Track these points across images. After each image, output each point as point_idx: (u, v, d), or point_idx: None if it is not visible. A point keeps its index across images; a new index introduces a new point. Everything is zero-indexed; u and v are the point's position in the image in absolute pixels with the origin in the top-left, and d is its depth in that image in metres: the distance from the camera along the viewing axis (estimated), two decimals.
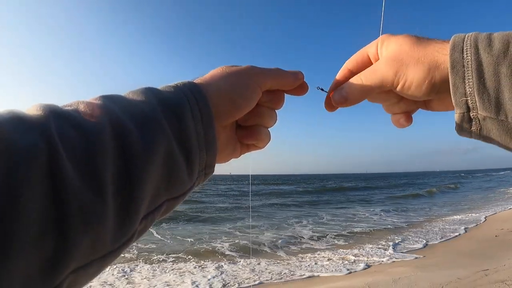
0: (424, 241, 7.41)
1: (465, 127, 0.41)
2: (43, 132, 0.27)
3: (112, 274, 5.37)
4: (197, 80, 0.45)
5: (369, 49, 0.50)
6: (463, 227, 8.69)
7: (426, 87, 0.43)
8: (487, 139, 0.41)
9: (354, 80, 0.49)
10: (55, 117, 0.30)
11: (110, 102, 0.36)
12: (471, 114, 0.40)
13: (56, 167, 0.26)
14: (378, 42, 0.49)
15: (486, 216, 10.21)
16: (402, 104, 0.51)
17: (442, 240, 7.49)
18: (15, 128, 0.26)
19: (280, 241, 7.91)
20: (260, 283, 5.07)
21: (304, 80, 0.52)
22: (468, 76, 0.39)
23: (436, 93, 0.43)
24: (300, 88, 0.51)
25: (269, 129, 0.52)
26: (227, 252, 6.94)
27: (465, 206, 13.78)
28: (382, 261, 5.97)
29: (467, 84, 0.39)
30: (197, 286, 4.94)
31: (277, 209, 14.93)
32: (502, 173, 70.34)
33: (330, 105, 0.52)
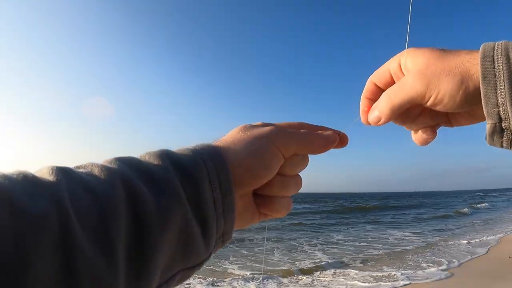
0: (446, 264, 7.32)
1: (496, 137, 0.41)
2: (55, 198, 0.27)
3: None
4: (216, 143, 0.43)
5: (390, 65, 0.49)
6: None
7: (460, 98, 0.41)
8: None
9: (383, 98, 0.47)
10: (68, 181, 0.30)
11: (125, 166, 0.35)
12: (503, 125, 0.39)
13: (68, 237, 0.26)
14: (401, 56, 0.47)
15: (500, 237, 10.03)
16: (423, 118, 0.49)
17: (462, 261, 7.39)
18: (26, 193, 0.26)
19: None
20: None
21: (340, 132, 0.49)
22: (500, 86, 0.38)
23: (469, 105, 0.42)
24: (331, 147, 0.48)
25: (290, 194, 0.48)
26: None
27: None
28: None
29: (499, 94, 0.38)
30: None
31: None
32: None
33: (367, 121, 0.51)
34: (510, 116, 0.38)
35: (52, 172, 0.30)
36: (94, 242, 0.27)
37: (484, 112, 0.40)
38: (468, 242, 9.74)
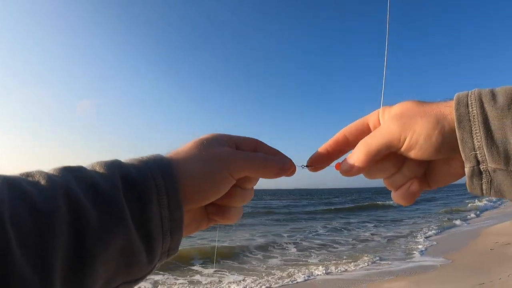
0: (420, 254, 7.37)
1: (476, 181, 0.41)
2: None
3: None
4: (170, 155, 0.43)
5: (369, 118, 0.50)
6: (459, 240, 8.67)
7: (436, 139, 0.42)
8: (498, 192, 0.40)
9: (360, 144, 0.47)
10: (11, 194, 0.30)
11: (72, 177, 0.35)
12: (481, 167, 0.40)
13: (5, 255, 0.26)
14: (380, 110, 0.49)
15: (481, 229, 10.21)
16: (405, 170, 0.47)
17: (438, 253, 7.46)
18: None
19: None
20: None
21: (292, 165, 0.48)
22: (475, 130, 0.39)
23: (445, 148, 0.42)
24: (284, 175, 0.48)
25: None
26: None
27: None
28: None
29: (475, 138, 0.39)
30: None
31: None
32: None
33: (316, 168, 0.51)
34: (487, 158, 0.39)
35: None
36: (32, 263, 0.28)
37: (462, 156, 0.40)
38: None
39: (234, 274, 6.39)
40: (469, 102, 0.40)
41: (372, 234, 11.12)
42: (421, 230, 11.20)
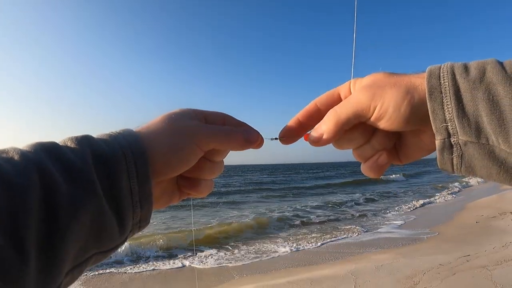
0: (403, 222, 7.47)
1: (446, 155, 0.40)
2: None
3: None
4: (139, 129, 0.44)
5: (340, 89, 0.49)
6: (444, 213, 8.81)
7: (405, 109, 0.41)
8: (469, 168, 0.39)
9: (329, 113, 0.46)
10: None
11: (44, 153, 0.35)
12: (452, 140, 0.39)
13: None
14: (351, 81, 0.48)
15: (467, 203, 10.39)
16: (374, 142, 0.47)
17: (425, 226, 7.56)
18: None
19: None
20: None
21: (259, 136, 0.48)
22: (446, 101, 0.39)
23: (414, 119, 0.41)
24: (250, 147, 0.48)
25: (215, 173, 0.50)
26: None
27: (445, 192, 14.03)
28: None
29: (446, 110, 0.39)
30: None
31: None
32: None
33: (288, 140, 0.51)
34: (458, 130, 0.38)
35: None
36: (6, 237, 0.28)
37: (433, 128, 0.40)
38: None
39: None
40: (441, 74, 0.40)
41: (357, 207, 11.26)
42: (409, 203, 11.37)
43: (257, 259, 5.72)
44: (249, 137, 0.47)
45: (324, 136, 0.46)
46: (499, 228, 6.69)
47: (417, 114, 0.41)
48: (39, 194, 0.32)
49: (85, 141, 0.39)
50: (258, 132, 0.49)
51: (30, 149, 0.36)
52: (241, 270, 5.24)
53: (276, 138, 0.51)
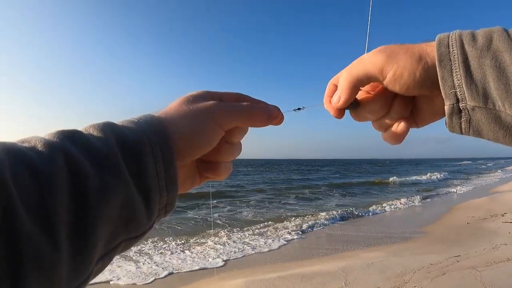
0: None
1: (455, 119, 0.42)
2: None
3: None
4: (159, 114, 0.44)
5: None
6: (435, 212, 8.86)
7: (420, 73, 0.43)
8: (477, 132, 0.41)
9: (342, 73, 0.49)
10: (11, 158, 0.29)
11: (68, 141, 0.35)
12: (460, 105, 0.41)
13: (11, 215, 0.26)
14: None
15: (458, 203, 10.45)
16: (393, 112, 0.49)
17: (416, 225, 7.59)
18: None
19: None
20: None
21: (280, 112, 0.48)
22: (455, 69, 0.40)
23: (428, 84, 0.43)
24: (272, 122, 0.48)
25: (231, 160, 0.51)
26: None
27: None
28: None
29: (455, 77, 0.40)
30: None
31: None
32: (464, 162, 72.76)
33: (335, 112, 0.51)
34: (466, 96, 0.40)
35: None
36: (36, 223, 0.28)
37: (442, 94, 0.42)
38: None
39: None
40: (450, 43, 0.41)
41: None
42: (399, 201, 11.42)
43: (248, 253, 5.70)
44: (271, 113, 0.47)
45: (340, 96, 0.48)
46: (490, 230, 6.74)
47: (430, 78, 0.43)
48: (67, 181, 0.31)
49: (108, 128, 0.39)
50: (279, 108, 0.49)
51: (53, 137, 0.35)
52: (230, 264, 5.22)
53: (299, 109, 0.53)
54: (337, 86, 0.50)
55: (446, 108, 0.42)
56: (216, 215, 9.29)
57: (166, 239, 6.57)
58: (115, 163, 0.36)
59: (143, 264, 5.19)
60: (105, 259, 0.36)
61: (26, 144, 0.33)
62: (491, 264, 4.53)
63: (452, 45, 0.41)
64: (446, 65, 0.41)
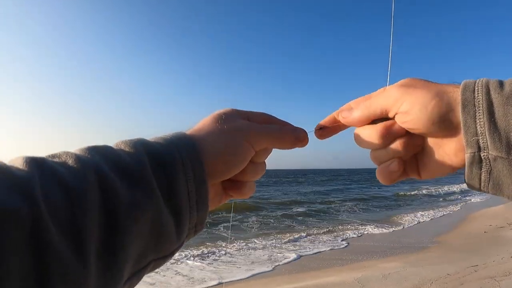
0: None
1: (475, 169, 0.40)
2: (27, 194, 0.27)
3: None
4: (190, 131, 0.44)
5: (373, 94, 0.50)
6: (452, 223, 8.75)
7: (431, 109, 0.41)
8: (497, 186, 0.39)
9: (362, 98, 0.49)
10: (41, 173, 0.29)
11: (99, 156, 0.35)
12: (482, 154, 0.39)
13: (40, 231, 0.26)
14: (384, 88, 0.49)
15: (475, 212, 10.29)
16: (390, 148, 0.47)
17: (433, 235, 7.51)
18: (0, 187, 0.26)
19: None
20: None
21: (306, 135, 0.50)
22: (479, 115, 0.39)
23: (439, 124, 0.42)
24: (299, 145, 0.50)
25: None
26: None
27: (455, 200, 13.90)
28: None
29: (478, 124, 0.39)
30: None
31: None
32: None
33: (324, 133, 0.53)
34: (489, 145, 0.38)
35: (25, 164, 0.30)
36: (65, 238, 0.28)
37: (464, 142, 0.40)
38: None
39: None
40: (476, 88, 0.40)
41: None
42: (416, 211, 11.29)
43: (262, 265, 5.73)
44: (298, 136, 0.49)
45: (352, 116, 0.48)
46: (508, 239, 6.63)
47: (442, 118, 0.41)
48: (98, 197, 0.31)
49: (139, 144, 0.39)
50: (305, 130, 0.50)
51: (84, 152, 0.35)
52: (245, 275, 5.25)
53: (316, 130, 0.52)
54: (352, 107, 0.50)
55: (467, 156, 0.40)
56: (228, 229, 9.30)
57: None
58: (146, 181, 0.35)
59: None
60: (133, 279, 0.35)
61: (56, 159, 0.33)
62: (509, 274, 4.48)
63: (478, 91, 0.39)
64: (470, 111, 0.39)
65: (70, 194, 0.30)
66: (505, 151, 0.37)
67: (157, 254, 0.37)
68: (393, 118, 0.46)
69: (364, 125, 0.48)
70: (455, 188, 21.65)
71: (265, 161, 0.51)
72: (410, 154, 0.47)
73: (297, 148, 0.50)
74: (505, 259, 5.20)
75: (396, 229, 8.53)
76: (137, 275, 0.36)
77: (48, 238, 0.26)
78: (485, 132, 0.38)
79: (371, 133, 0.47)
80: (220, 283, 4.93)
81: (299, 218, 10.91)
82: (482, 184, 0.40)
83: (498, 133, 0.38)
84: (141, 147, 0.38)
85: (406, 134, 0.46)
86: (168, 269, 5.37)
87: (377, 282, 4.54)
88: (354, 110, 0.48)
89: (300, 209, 12.80)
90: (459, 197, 15.67)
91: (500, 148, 0.38)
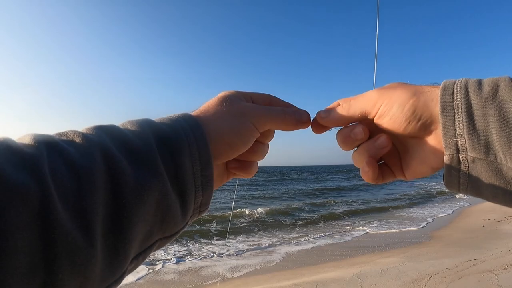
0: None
1: (454, 172, 0.40)
2: (35, 169, 0.27)
3: None
4: (195, 113, 0.44)
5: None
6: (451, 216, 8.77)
7: (408, 108, 0.42)
8: (475, 188, 0.40)
9: (343, 101, 0.49)
10: (49, 152, 0.30)
11: (106, 136, 0.35)
12: (460, 156, 0.39)
13: (47, 209, 0.26)
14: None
15: (473, 206, 10.32)
16: (366, 145, 0.48)
17: (431, 229, 7.53)
18: (7, 162, 0.26)
19: None
20: None
21: (309, 116, 0.50)
22: (458, 117, 0.39)
23: (416, 123, 0.42)
24: (302, 126, 0.50)
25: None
26: None
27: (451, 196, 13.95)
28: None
29: (457, 126, 0.39)
30: None
31: None
32: None
33: (316, 126, 0.52)
34: (467, 147, 0.38)
35: (34, 142, 0.30)
36: (72, 216, 0.28)
37: (443, 144, 0.40)
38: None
39: None
40: (455, 90, 0.40)
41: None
42: (414, 206, 11.32)
43: (261, 260, 5.74)
44: (301, 117, 0.49)
45: (330, 115, 0.49)
46: (506, 232, 6.66)
47: (419, 116, 0.42)
48: (104, 176, 0.31)
49: (146, 124, 0.39)
50: (308, 112, 0.50)
51: (91, 131, 0.35)
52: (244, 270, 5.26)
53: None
54: (340, 104, 0.50)
55: (445, 158, 0.40)
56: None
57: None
58: (152, 161, 0.35)
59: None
60: (139, 258, 0.36)
61: (63, 138, 0.33)
62: (507, 267, 4.49)
63: (457, 93, 0.40)
64: (448, 113, 0.39)
65: (77, 173, 0.30)
66: (483, 153, 0.38)
67: (163, 234, 0.38)
68: (372, 120, 0.47)
69: (342, 126, 0.50)
70: None
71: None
72: (378, 156, 0.48)
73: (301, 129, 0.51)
74: (503, 252, 5.22)
75: (395, 224, 8.55)
76: (143, 254, 0.36)
77: (55, 216, 0.26)
78: (463, 133, 0.38)
79: (338, 138, 0.50)
80: (216, 281, 4.93)
81: (297, 213, 10.92)
82: (461, 187, 0.41)
83: (476, 134, 0.38)
84: (148, 127, 0.38)
85: (368, 139, 0.48)
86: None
87: (376, 277, 4.55)
88: (331, 112, 0.49)
89: (296, 204, 12.82)
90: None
91: (479, 149, 0.38)
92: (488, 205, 10.25)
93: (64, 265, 0.27)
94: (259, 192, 20.07)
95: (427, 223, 8.41)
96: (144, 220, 0.34)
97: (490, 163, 0.38)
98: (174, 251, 6.41)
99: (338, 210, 11.44)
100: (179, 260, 5.89)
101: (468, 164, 0.39)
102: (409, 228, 7.88)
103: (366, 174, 0.48)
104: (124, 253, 0.32)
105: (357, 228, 8.24)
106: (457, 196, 13.88)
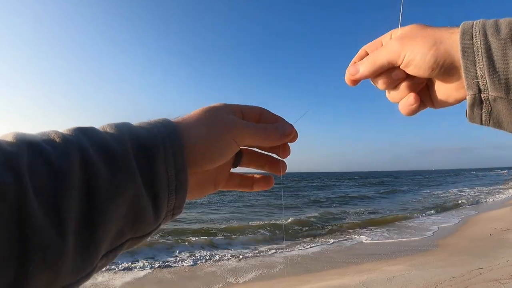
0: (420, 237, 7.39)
1: (476, 109, 0.43)
2: (14, 170, 0.29)
3: None
4: (177, 120, 0.45)
5: (383, 37, 0.55)
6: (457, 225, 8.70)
7: (430, 57, 0.45)
8: (497, 123, 0.43)
9: (369, 56, 0.52)
10: (29, 151, 0.31)
11: (84, 137, 0.36)
12: (482, 96, 0.42)
13: (23, 205, 0.28)
14: (392, 31, 0.53)
15: (479, 215, 10.23)
16: (404, 86, 0.52)
17: (438, 238, 7.48)
18: None
19: None
20: None
21: (293, 129, 0.51)
22: (478, 60, 0.41)
23: (439, 70, 0.45)
24: (286, 140, 0.51)
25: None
26: None
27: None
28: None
29: (477, 67, 0.41)
30: None
31: None
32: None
33: (349, 79, 0.55)
34: (488, 87, 0.41)
35: (15, 140, 0.31)
36: (47, 214, 0.29)
37: (465, 84, 0.43)
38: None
39: None
40: (474, 34, 0.42)
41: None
42: (420, 214, 11.25)
43: (264, 267, 5.74)
44: (284, 131, 0.50)
45: (360, 71, 0.52)
46: None
47: (441, 64, 0.45)
48: (80, 177, 0.33)
49: (124, 127, 0.40)
50: (292, 126, 0.51)
51: (70, 132, 0.37)
52: (247, 277, 5.26)
53: (306, 112, 0.57)
54: (367, 52, 0.55)
55: (468, 98, 0.43)
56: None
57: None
58: (127, 163, 0.37)
59: None
60: (109, 256, 0.37)
61: (45, 138, 0.35)
62: None
63: (476, 36, 0.42)
64: (469, 56, 0.42)
65: (54, 172, 0.31)
66: (504, 91, 0.41)
67: (134, 234, 0.39)
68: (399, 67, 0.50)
69: (371, 77, 0.53)
70: (466, 192, 21.58)
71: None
72: (417, 90, 0.52)
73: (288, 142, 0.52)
74: (511, 261, 5.17)
75: (401, 232, 8.50)
76: (114, 252, 0.38)
77: (30, 212, 0.28)
78: (484, 74, 0.41)
79: (379, 82, 0.53)
80: (220, 286, 4.94)
81: (303, 219, 10.91)
82: (484, 122, 0.44)
83: (497, 75, 0.40)
84: (126, 130, 0.39)
85: (408, 76, 0.50)
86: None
87: (382, 285, 4.54)
88: (360, 67, 0.52)
89: (303, 212, 12.78)
90: (464, 201, 15.56)
91: (500, 89, 0.41)
92: (495, 213, 10.16)
93: (36, 260, 0.28)
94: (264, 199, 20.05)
95: (433, 231, 8.34)
96: (116, 220, 0.35)
97: (511, 101, 0.41)
98: (178, 255, 6.43)
99: (345, 218, 11.41)
100: (182, 263, 5.91)
101: (490, 102, 0.42)
102: (415, 238, 7.84)
103: (410, 107, 0.51)
104: (95, 250, 0.34)
105: (363, 235, 8.21)
106: (463, 206, 13.78)
